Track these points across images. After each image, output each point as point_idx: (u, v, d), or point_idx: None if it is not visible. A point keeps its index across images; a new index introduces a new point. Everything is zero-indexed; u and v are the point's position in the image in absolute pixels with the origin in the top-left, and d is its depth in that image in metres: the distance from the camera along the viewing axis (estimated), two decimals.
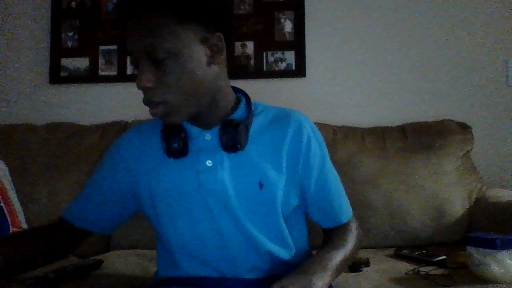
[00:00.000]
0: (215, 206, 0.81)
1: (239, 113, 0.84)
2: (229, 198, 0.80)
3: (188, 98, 0.75)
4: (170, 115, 0.76)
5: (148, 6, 0.73)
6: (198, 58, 0.75)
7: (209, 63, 0.77)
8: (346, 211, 0.93)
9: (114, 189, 0.89)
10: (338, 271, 0.81)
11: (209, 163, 0.81)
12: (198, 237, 0.82)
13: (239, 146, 0.79)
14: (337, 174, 0.94)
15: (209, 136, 0.82)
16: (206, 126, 0.83)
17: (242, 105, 0.86)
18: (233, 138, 0.78)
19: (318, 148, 0.87)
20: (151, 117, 0.90)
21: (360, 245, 0.93)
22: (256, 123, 0.85)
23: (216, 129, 0.82)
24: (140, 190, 0.86)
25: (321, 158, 0.88)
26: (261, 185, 0.80)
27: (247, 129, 0.81)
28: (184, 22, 0.73)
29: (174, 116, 0.76)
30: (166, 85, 0.73)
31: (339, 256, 0.82)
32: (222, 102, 0.83)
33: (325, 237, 0.94)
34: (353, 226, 0.94)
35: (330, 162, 0.92)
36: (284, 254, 0.85)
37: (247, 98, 0.88)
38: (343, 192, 0.94)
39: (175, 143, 0.79)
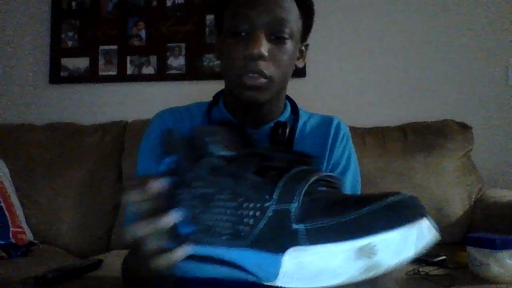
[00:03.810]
0: None
1: (286, 115, 0.87)
2: None
3: (281, 82, 0.78)
4: (263, 91, 0.75)
5: None
6: (297, 52, 0.81)
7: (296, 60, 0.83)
8: None
9: None
10: None
11: None
12: None
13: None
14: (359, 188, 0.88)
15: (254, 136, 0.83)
16: (253, 124, 0.81)
17: (288, 109, 0.88)
18: (284, 141, 0.77)
19: (346, 147, 0.87)
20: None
21: None
22: (300, 127, 0.86)
23: (262, 130, 0.81)
24: None
25: (346, 163, 0.86)
26: None
27: (294, 132, 0.82)
28: (300, 17, 0.80)
29: (264, 94, 0.76)
30: (278, 62, 0.75)
31: None
32: (281, 100, 0.85)
33: None
34: None
35: (357, 175, 0.88)
36: None
37: (292, 103, 0.90)
38: None
39: None
